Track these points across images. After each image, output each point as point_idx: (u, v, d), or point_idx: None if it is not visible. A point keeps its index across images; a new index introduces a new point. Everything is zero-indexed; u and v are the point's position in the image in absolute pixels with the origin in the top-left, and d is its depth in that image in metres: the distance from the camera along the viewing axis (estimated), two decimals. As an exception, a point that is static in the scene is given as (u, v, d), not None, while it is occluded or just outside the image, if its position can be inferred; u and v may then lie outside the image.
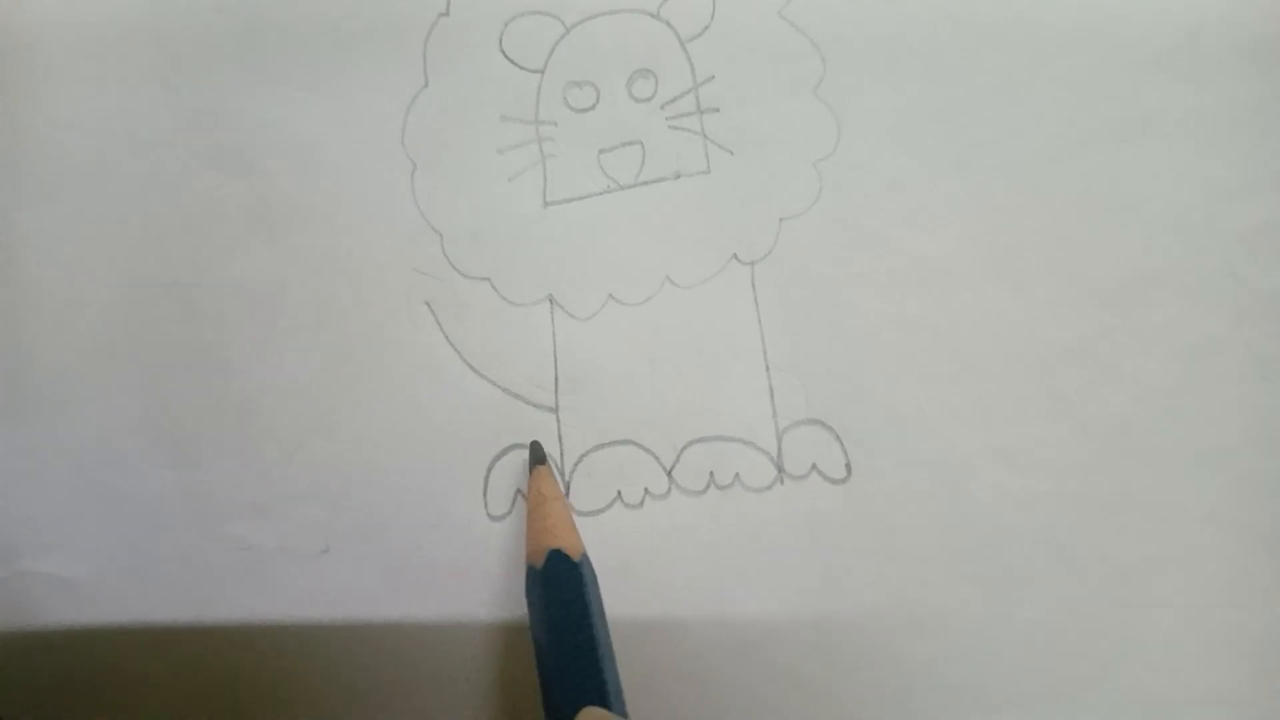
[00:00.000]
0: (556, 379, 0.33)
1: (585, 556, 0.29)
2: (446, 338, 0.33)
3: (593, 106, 0.33)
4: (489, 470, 0.33)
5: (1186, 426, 0.32)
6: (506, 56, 0.34)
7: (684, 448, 0.32)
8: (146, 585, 0.33)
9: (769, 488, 0.32)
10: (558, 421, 0.33)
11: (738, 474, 0.32)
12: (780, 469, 0.32)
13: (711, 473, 0.32)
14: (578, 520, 0.32)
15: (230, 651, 0.33)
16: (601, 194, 0.33)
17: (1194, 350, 0.32)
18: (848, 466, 0.32)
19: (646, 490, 0.32)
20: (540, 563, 0.28)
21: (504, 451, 0.33)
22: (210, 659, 0.33)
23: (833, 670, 0.32)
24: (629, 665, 0.31)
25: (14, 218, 0.34)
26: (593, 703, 0.25)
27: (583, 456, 0.33)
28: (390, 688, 0.33)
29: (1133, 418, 0.32)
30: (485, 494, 0.33)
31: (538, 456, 0.32)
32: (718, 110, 0.33)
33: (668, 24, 0.33)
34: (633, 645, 0.32)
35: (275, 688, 0.33)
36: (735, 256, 0.33)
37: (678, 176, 0.33)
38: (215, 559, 0.33)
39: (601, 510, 0.32)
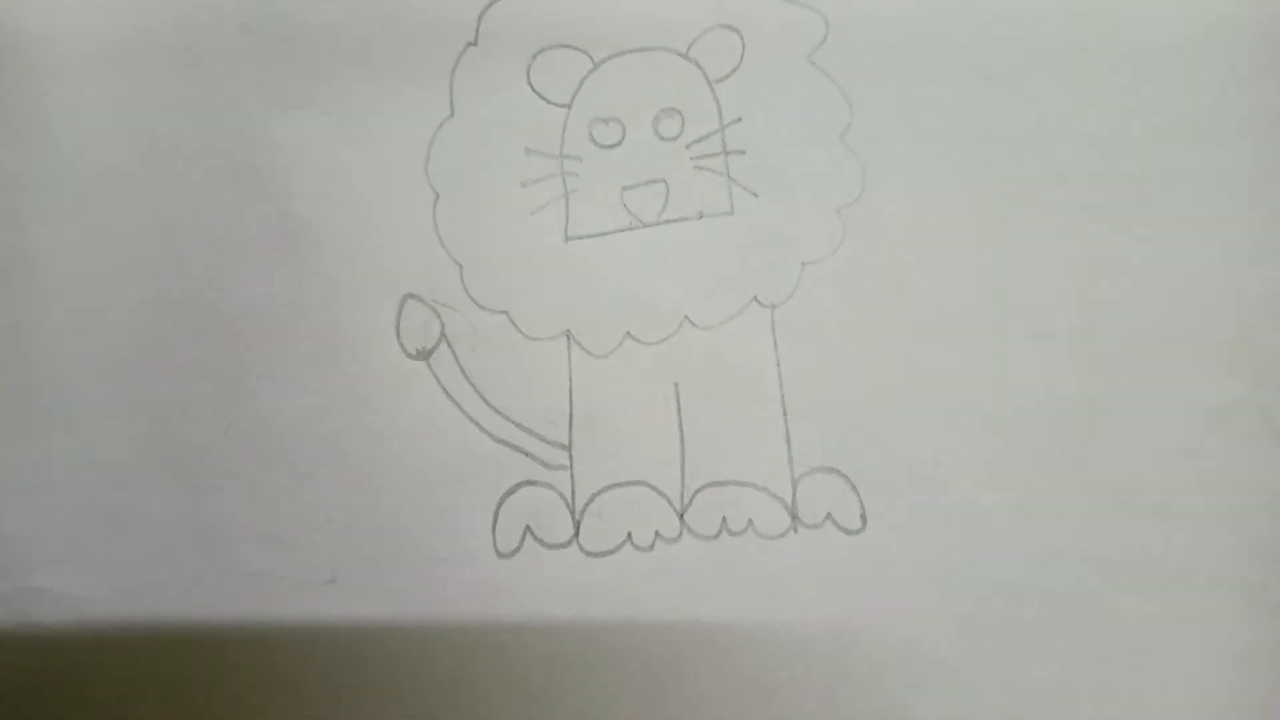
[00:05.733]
0: (571, 416, 0.32)
1: None
2: (462, 370, 0.33)
3: (618, 143, 0.33)
4: (499, 506, 0.32)
5: (1200, 489, 0.31)
6: (534, 89, 0.33)
7: (697, 491, 0.32)
8: (152, 606, 0.33)
9: (782, 535, 0.32)
10: (570, 459, 0.32)
11: (751, 520, 0.32)
12: (795, 517, 0.32)
13: (724, 518, 0.32)
14: (588, 562, 0.32)
15: (232, 675, 0.32)
16: (623, 231, 0.33)
17: (1210, 413, 0.32)
18: (863, 517, 0.32)
19: (658, 533, 0.32)
20: None
21: (515, 488, 0.32)
22: (212, 681, 0.32)
23: (838, 722, 0.31)
24: (633, 713, 0.31)
25: (31, 230, 0.34)
26: None
27: (594, 496, 0.32)
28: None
29: (1148, 478, 0.31)
30: (494, 530, 0.32)
31: None
32: (743, 152, 0.33)
33: (696, 64, 0.33)
34: (640, 691, 0.31)
35: (273, 713, 0.32)
36: (756, 299, 0.33)
37: (701, 216, 0.33)
38: (221, 583, 0.33)
39: (612, 551, 0.32)
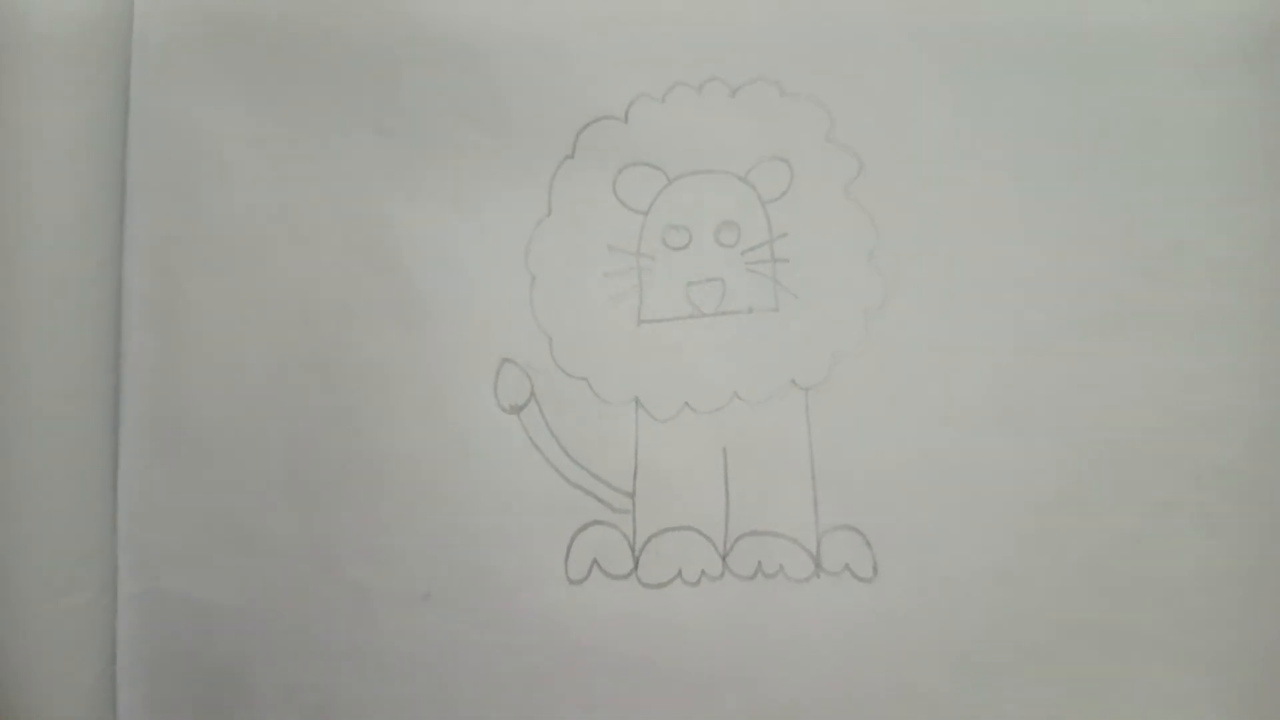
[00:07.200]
0: (636, 468, 0.39)
1: None
2: (547, 424, 0.39)
3: (685, 246, 0.40)
4: (572, 540, 0.39)
5: (1145, 567, 0.37)
6: (618, 198, 0.40)
7: (738, 538, 0.38)
8: (267, 612, 0.39)
9: (807, 580, 0.38)
10: (634, 504, 0.39)
11: (782, 565, 0.38)
12: (818, 565, 0.38)
13: (760, 562, 0.38)
14: (644, 592, 0.38)
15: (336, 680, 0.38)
16: (686, 318, 0.40)
17: (1156, 506, 0.37)
18: (874, 568, 0.38)
19: (703, 572, 0.38)
20: None
21: (585, 526, 0.39)
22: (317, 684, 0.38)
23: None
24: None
25: (185, 286, 0.41)
26: None
27: (652, 537, 0.39)
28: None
29: (1105, 557, 0.37)
30: (567, 560, 0.38)
31: None
32: (788, 260, 0.40)
33: (753, 186, 0.40)
34: (678, 704, 0.37)
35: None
36: (793, 382, 0.39)
37: (750, 311, 0.40)
38: (329, 595, 0.38)
39: (665, 584, 0.38)
